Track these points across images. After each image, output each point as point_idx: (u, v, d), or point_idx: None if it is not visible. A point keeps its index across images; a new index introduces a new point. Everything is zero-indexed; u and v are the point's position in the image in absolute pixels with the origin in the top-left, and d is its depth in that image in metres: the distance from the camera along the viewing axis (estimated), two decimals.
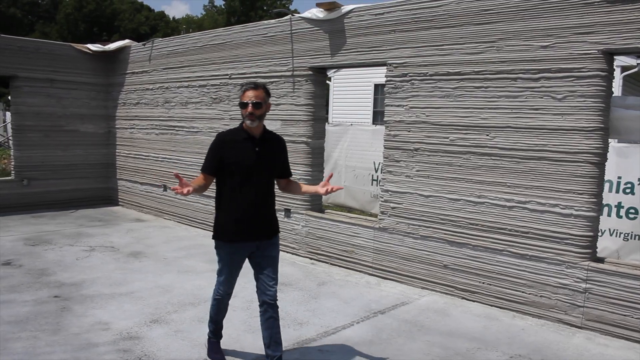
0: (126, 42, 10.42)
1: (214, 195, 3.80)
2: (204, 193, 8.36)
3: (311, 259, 6.90)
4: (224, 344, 4.17)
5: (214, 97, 8.23)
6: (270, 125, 7.21)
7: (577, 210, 4.86)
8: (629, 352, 4.47)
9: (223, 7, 52.70)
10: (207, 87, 8.36)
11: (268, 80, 7.33)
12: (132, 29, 47.25)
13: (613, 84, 11.89)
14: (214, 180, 3.77)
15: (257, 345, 4.23)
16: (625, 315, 4.67)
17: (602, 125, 4.78)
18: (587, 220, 4.85)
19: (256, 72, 7.52)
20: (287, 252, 7.12)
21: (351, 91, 16.33)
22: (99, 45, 10.43)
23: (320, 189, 3.70)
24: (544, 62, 4.98)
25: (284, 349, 4.19)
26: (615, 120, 4.99)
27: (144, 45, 9.78)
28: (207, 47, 8.33)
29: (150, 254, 6.99)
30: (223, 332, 4.14)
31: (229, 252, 3.75)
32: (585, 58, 4.79)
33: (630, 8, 4.55)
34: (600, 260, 5.02)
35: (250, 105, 3.55)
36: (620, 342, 4.65)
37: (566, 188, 4.90)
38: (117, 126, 10.55)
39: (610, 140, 6.99)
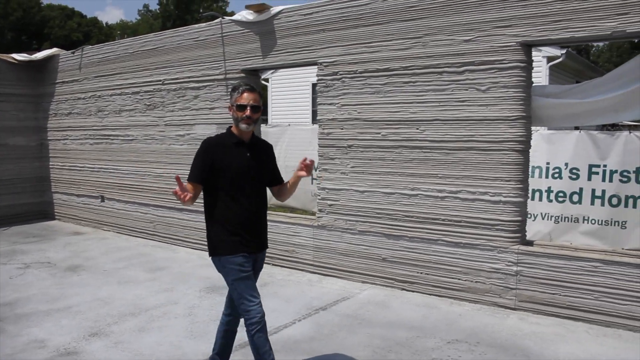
0: (54, 50, 10.13)
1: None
2: (144, 202, 8.31)
3: None
4: (166, 351, 4.14)
5: (148, 103, 8.11)
6: (207, 129, 7.18)
7: (505, 196, 5.06)
8: (559, 327, 4.69)
9: (158, 11, 51.82)
10: (141, 94, 8.23)
11: (201, 85, 7.30)
12: (64, 36, 45.76)
13: (540, 74, 12.34)
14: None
15: (199, 350, 4.22)
16: (554, 294, 4.89)
17: (524, 114, 4.99)
18: (515, 205, 5.05)
19: (189, 77, 7.46)
20: None
21: (289, 92, 16.37)
22: (25, 55, 10.09)
23: (300, 172, 3.41)
24: (467, 55, 5.16)
25: None
26: (536, 109, 5.21)
27: (73, 53, 9.53)
28: (138, 53, 8.20)
29: (89, 266, 6.83)
30: (164, 338, 4.08)
31: (235, 264, 3.36)
32: (505, 50, 4.98)
33: (544, 2, 4.76)
34: (530, 243, 5.24)
35: (249, 108, 3.33)
36: (550, 319, 4.87)
37: (494, 176, 5.09)
38: (49, 138, 10.24)
39: (539, 128, 7.34)
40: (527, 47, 5.00)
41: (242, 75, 6.88)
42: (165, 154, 7.82)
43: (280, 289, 5.82)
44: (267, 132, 11.17)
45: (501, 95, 5.01)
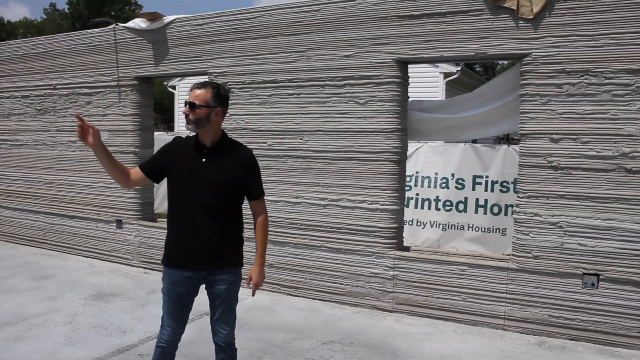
0: None
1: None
2: (33, 209, 7.99)
3: (145, 268, 6.86)
4: (40, 359, 4.08)
5: (39, 108, 7.89)
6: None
7: (382, 204, 5.34)
8: (430, 327, 5.00)
9: (67, 11, 49.84)
10: (31, 98, 7.98)
11: (93, 91, 7.20)
12: None
13: (437, 89, 12.94)
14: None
15: (75, 356, 4.20)
16: (427, 296, 5.20)
17: (400, 127, 5.29)
18: (392, 213, 5.34)
19: (81, 82, 7.34)
20: (121, 264, 7.02)
21: None
22: None
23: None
24: (347, 70, 5.42)
25: (104, 357, 4.21)
26: (413, 123, 5.54)
27: None
28: (29, 56, 7.96)
29: None
30: (40, 347, 3.98)
31: (169, 280, 3.13)
32: (382, 66, 5.28)
33: (417, 22, 5.11)
34: (406, 248, 5.56)
35: (186, 105, 3.02)
36: (423, 320, 5.18)
37: (372, 185, 5.37)
38: None
39: (427, 141, 7.74)
40: (403, 64, 5.32)
41: (135, 82, 6.86)
42: (57, 160, 7.63)
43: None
44: (168, 140, 11.06)
45: (378, 108, 5.30)
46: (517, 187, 4.91)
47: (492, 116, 5.33)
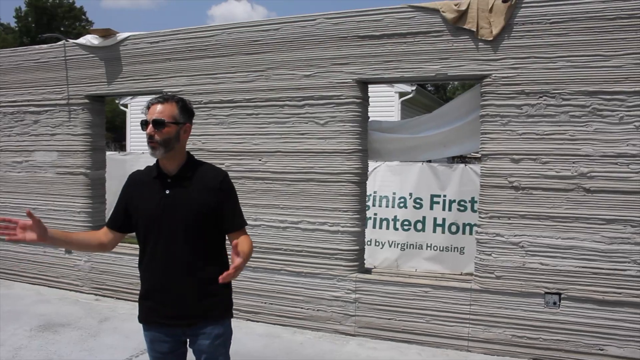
0: None
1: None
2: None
3: (96, 295, 6.56)
4: None
5: None
6: (47, 156, 6.80)
7: (343, 226, 5.25)
8: (393, 351, 4.91)
9: (15, 25, 48.36)
10: None
11: (42, 109, 6.90)
12: None
13: (392, 108, 13.04)
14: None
15: None
16: (390, 319, 5.12)
17: (360, 147, 5.24)
18: (353, 235, 5.26)
19: (28, 100, 7.02)
20: (71, 291, 6.69)
21: None
22: None
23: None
24: (307, 90, 5.35)
25: None
26: (373, 143, 5.50)
27: None
28: None
29: None
30: None
31: (147, 339, 2.71)
32: (342, 86, 5.23)
33: (378, 43, 5.08)
34: (368, 271, 5.47)
35: (149, 125, 2.50)
36: (387, 343, 5.09)
37: (333, 207, 5.28)
38: None
39: (386, 161, 7.73)
40: (363, 84, 5.28)
41: (86, 101, 6.60)
42: (1, 181, 7.27)
43: (121, 324, 5.57)
44: (123, 160, 10.79)
45: (338, 129, 5.23)
46: (478, 207, 4.91)
47: (452, 136, 5.34)
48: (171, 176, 2.60)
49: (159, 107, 2.54)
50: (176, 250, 2.53)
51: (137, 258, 2.72)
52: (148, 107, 2.57)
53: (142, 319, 2.69)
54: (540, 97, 4.54)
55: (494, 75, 4.68)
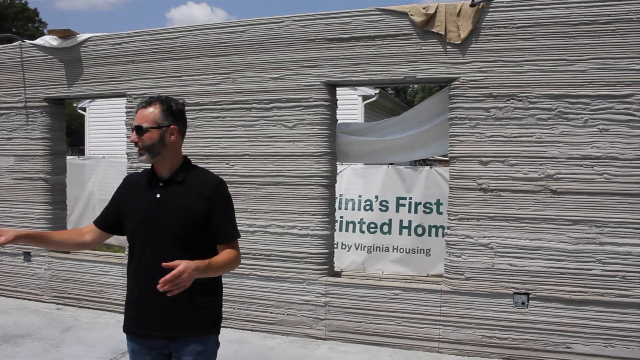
0: None
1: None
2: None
3: (57, 303, 6.34)
4: None
5: None
6: (4, 162, 6.56)
7: (312, 230, 5.21)
8: (365, 354, 4.89)
9: None
10: None
11: None
12: None
13: (356, 111, 13.08)
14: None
15: None
16: (361, 322, 5.10)
17: (329, 150, 5.21)
18: (322, 238, 5.23)
19: None
20: (30, 300, 6.46)
21: (108, 122, 15.49)
22: None
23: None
24: (275, 92, 5.29)
25: None
26: (341, 146, 5.48)
27: None
28: None
29: None
30: None
31: (129, 349, 2.59)
32: (310, 89, 5.19)
33: (346, 46, 5.07)
34: (337, 274, 5.45)
35: (133, 131, 2.46)
36: (358, 347, 5.07)
37: (302, 210, 5.23)
38: None
39: (351, 163, 7.72)
40: (331, 87, 5.26)
41: (45, 104, 6.39)
42: None
43: (85, 334, 5.40)
44: (83, 165, 10.52)
45: (307, 131, 5.19)
46: (448, 209, 4.94)
47: (420, 139, 5.37)
48: (163, 180, 2.53)
49: (143, 112, 2.46)
50: (163, 256, 2.33)
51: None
52: (136, 111, 2.50)
53: (124, 327, 2.58)
54: (508, 100, 4.60)
55: (462, 78, 4.72)
